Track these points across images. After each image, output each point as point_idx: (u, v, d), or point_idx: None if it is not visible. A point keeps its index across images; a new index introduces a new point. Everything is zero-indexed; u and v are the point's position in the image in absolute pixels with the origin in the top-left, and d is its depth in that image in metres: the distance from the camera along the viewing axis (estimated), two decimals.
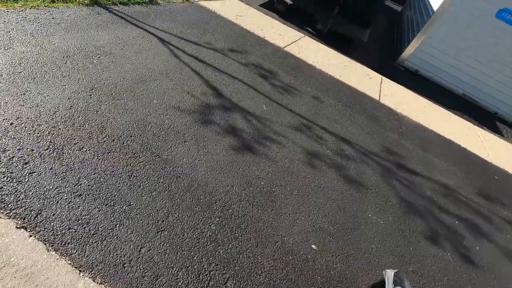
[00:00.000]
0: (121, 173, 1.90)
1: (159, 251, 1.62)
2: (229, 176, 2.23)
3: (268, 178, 2.37)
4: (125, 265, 1.49)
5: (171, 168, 2.09)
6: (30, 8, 3.02)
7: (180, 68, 3.16)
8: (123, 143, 2.10)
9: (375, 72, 5.51)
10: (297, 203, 2.28)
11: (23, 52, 2.43)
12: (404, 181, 3.05)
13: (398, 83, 5.54)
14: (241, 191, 2.17)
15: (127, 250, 1.55)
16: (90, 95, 2.35)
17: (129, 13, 3.75)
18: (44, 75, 2.32)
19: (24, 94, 2.10)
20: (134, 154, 2.06)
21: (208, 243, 1.76)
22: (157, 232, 1.69)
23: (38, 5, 3.12)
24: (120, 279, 1.44)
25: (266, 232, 1.98)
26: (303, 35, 5.75)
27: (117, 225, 1.63)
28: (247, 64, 3.86)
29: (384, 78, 5.49)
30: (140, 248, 1.59)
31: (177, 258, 1.63)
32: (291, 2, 6.23)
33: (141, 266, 1.52)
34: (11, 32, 2.59)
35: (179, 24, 4.05)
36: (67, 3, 3.40)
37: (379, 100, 4.60)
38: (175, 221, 1.79)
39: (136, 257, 1.54)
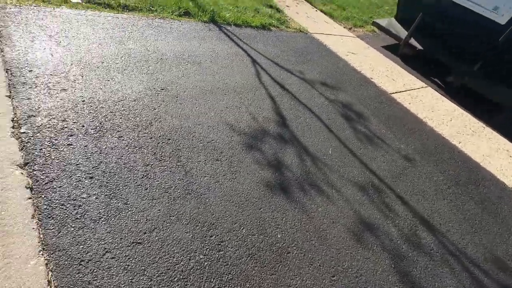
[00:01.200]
0: (138, 171, 1.89)
1: (121, 264, 1.47)
2: (244, 214, 1.91)
3: (290, 233, 1.91)
4: (81, 264, 1.41)
5: (188, 181, 1.95)
6: (159, 18, 3.62)
7: (255, 89, 3.10)
8: (158, 144, 2.12)
9: None
10: (313, 279, 1.73)
11: (129, 49, 2.88)
12: None
13: None
14: (248, 235, 1.81)
15: (93, 249, 1.47)
16: (158, 94, 2.53)
17: (237, 33, 4.02)
18: (133, 69, 2.66)
19: (108, 80, 2.44)
20: (161, 156, 2.05)
21: (176, 279, 1.50)
22: (132, 243, 1.55)
23: (166, 16, 3.72)
24: (68, 275, 1.36)
25: None
26: (425, 85, 4.84)
27: (102, 220, 1.59)
28: (334, 101, 3.46)
29: None
30: (106, 252, 1.48)
31: (132, 279, 1.43)
32: (421, 48, 5.41)
33: (94, 271, 1.40)
34: (132, 32, 3.13)
35: (280, 50, 4.06)
36: (190, 18, 3.94)
37: None
38: (156, 239, 1.61)
39: (96, 260, 1.44)
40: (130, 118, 2.22)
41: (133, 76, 2.60)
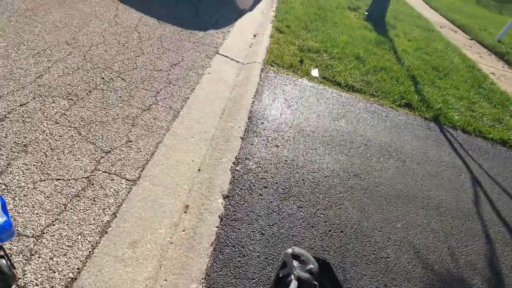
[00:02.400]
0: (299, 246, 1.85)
1: None
2: None
3: None
4: None
5: None
6: (377, 104, 3.67)
7: (466, 218, 2.41)
8: (329, 231, 2.01)
9: None
10: None
11: (340, 126, 3.05)
12: None
13: None
14: None
15: None
16: (349, 179, 2.46)
17: (462, 141, 3.39)
18: (335, 146, 2.76)
19: (311, 150, 2.65)
20: (327, 246, 1.92)
21: None
22: None
23: (385, 104, 3.72)
24: None
25: None
26: None
27: (253, 281, 1.63)
28: None
29: None
30: None
31: None
32: None
33: None
34: (348, 112, 3.32)
35: None
36: (410, 111, 3.74)
37: None
38: None
39: None
40: (315, 192, 2.26)
41: (334, 153, 2.69)
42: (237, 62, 3.83)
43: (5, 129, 1.99)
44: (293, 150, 2.59)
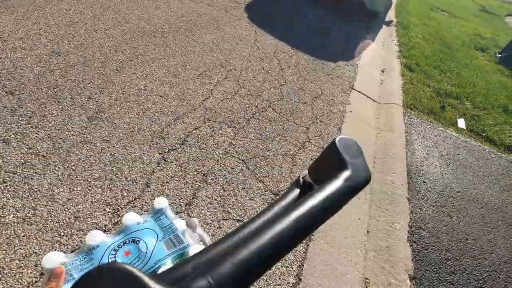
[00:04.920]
0: None
1: None
2: None
3: None
4: None
5: None
6: None
7: None
8: None
9: None
10: None
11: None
12: None
13: None
14: None
15: None
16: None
17: None
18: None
19: (498, 233, 2.17)
20: None
21: None
22: None
23: None
24: None
25: None
26: None
27: None
28: None
29: None
30: None
31: None
32: None
33: None
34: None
35: None
36: None
37: None
38: None
39: None
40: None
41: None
42: (374, 101, 3.53)
43: (186, 153, 1.98)
44: (470, 225, 2.15)
